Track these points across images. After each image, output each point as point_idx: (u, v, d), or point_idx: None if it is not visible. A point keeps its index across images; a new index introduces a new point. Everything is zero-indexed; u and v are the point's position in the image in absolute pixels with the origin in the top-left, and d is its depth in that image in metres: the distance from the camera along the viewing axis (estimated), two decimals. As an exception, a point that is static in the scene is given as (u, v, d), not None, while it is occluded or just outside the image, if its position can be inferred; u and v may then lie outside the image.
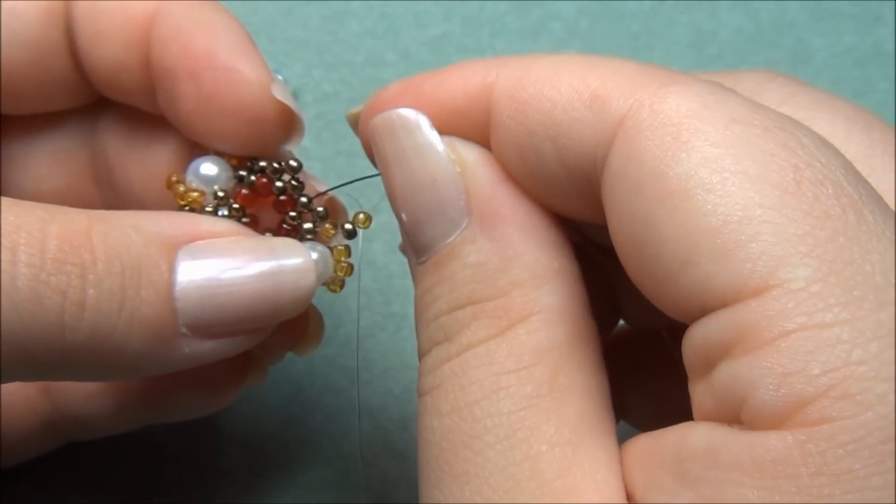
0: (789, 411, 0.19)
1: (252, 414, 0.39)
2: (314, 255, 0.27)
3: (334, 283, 0.28)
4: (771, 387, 0.19)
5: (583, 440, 0.22)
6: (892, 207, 0.21)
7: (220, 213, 0.28)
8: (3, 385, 0.28)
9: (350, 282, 0.29)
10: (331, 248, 0.28)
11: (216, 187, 0.28)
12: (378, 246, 0.41)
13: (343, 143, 0.41)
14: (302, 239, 0.28)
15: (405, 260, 0.27)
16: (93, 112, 0.31)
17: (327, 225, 0.28)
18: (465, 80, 0.25)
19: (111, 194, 0.32)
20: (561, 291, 0.24)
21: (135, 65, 0.28)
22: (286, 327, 0.27)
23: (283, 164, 0.28)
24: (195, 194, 0.28)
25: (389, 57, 0.44)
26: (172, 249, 0.25)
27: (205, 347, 0.25)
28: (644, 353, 0.32)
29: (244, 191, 0.28)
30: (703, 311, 0.20)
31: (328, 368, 0.40)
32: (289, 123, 0.28)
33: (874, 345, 0.18)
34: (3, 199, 0.23)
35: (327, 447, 0.39)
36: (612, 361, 0.25)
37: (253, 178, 0.28)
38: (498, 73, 0.24)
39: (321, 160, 0.29)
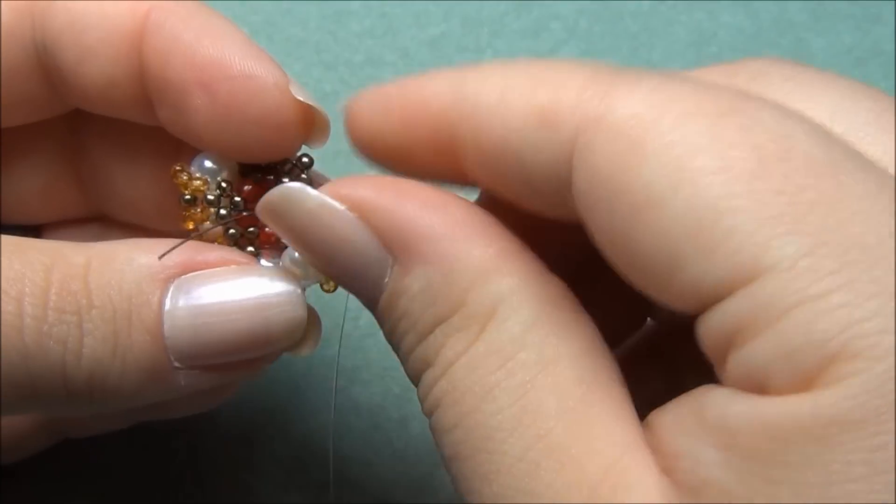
0: (804, 385, 0.18)
1: (252, 414, 0.39)
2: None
3: (327, 281, 0.28)
4: (781, 366, 0.19)
5: (587, 400, 0.22)
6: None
7: (220, 209, 0.28)
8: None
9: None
10: None
11: (220, 178, 0.28)
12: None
13: (342, 142, 0.40)
14: None
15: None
16: (74, 114, 0.30)
17: None
18: (426, 103, 0.24)
19: (94, 191, 0.31)
20: (512, 271, 0.23)
21: (126, 80, 0.27)
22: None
23: (284, 165, 0.27)
24: (198, 182, 0.28)
25: (389, 57, 0.44)
26: (163, 283, 0.25)
27: (202, 377, 0.25)
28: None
29: (247, 186, 0.28)
30: (704, 307, 0.20)
31: (328, 368, 0.40)
32: (311, 122, 0.27)
33: (873, 302, 0.18)
34: (4, 240, 0.23)
35: (327, 447, 0.39)
36: (660, 357, 0.25)
37: (259, 175, 0.28)
38: (454, 93, 0.24)
39: (320, 160, 0.29)
